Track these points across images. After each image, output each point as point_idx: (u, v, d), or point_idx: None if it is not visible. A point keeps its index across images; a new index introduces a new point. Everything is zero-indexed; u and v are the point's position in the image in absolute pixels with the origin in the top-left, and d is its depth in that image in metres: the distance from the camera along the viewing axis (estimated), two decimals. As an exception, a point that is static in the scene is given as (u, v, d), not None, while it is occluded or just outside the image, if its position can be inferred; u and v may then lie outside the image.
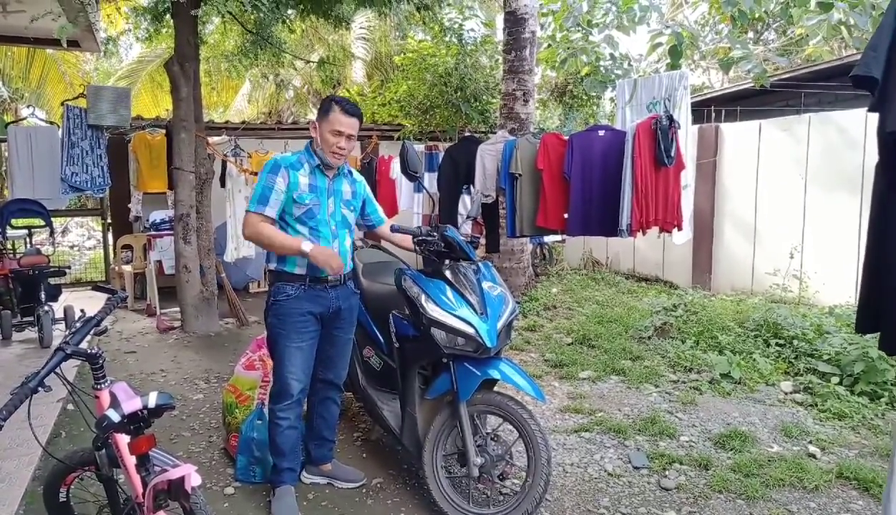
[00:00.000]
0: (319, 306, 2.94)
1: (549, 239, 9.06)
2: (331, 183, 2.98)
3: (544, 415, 4.13)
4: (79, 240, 18.04)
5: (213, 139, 7.87)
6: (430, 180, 7.82)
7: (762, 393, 4.51)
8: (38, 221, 6.71)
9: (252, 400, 3.50)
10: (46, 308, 5.92)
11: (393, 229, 3.04)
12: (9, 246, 7.02)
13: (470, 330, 2.76)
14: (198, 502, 2.37)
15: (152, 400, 1.74)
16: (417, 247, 3.02)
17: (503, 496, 3.02)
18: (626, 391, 4.66)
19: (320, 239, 2.89)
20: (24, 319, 6.11)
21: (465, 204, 7.34)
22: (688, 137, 5.55)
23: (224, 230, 7.54)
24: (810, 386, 4.52)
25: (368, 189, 3.30)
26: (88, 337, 2.25)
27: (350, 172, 3.13)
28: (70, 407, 4.40)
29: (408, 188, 8.15)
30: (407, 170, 2.99)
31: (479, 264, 3.08)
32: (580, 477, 3.34)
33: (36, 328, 5.91)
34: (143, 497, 1.79)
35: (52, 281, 6.31)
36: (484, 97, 10.12)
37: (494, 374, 2.81)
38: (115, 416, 1.69)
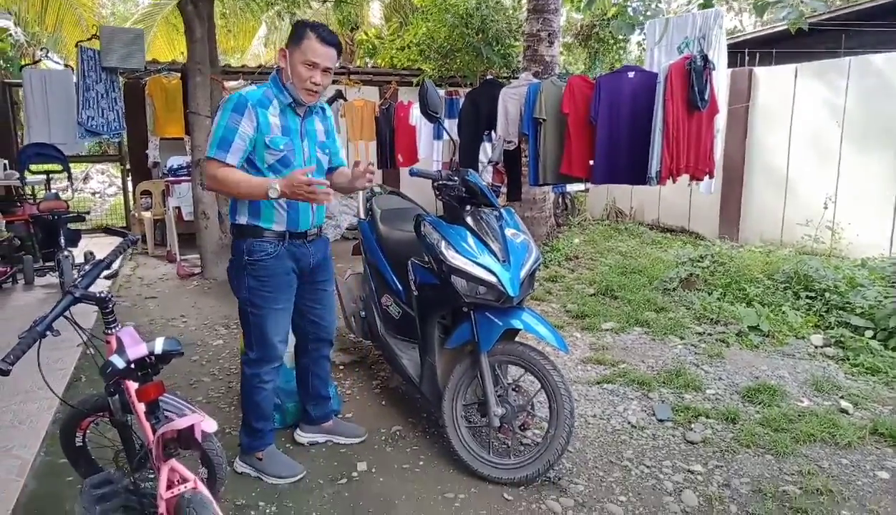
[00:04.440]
0: (300, 262, 2.67)
1: (571, 188, 8.84)
2: (303, 122, 2.61)
3: (566, 366, 4.05)
4: (100, 187, 18.11)
5: (229, 83, 7.71)
6: (450, 126, 7.62)
7: (792, 347, 4.38)
8: (56, 166, 6.67)
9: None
10: (66, 253, 5.90)
11: (412, 173, 2.89)
12: (28, 191, 7.03)
13: (491, 279, 2.65)
14: (213, 448, 2.35)
15: (159, 345, 1.67)
16: (437, 193, 2.89)
17: (524, 446, 2.97)
18: (650, 343, 4.55)
19: (307, 210, 2.62)
20: (46, 264, 6.12)
21: (486, 151, 7.15)
22: (721, 80, 5.28)
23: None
24: (842, 339, 4.38)
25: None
26: (107, 282, 2.18)
27: (322, 109, 2.76)
28: (91, 351, 4.40)
29: (427, 135, 7.95)
30: (427, 110, 2.83)
31: (502, 210, 2.95)
32: (602, 429, 3.27)
33: (57, 273, 5.92)
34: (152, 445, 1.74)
35: (72, 226, 6.30)
36: (506, 40, 9.76)
37: (516, 324, 2.71)
38: (119, 363, 1.62)
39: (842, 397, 3.59)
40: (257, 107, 2.47)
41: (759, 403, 3.52)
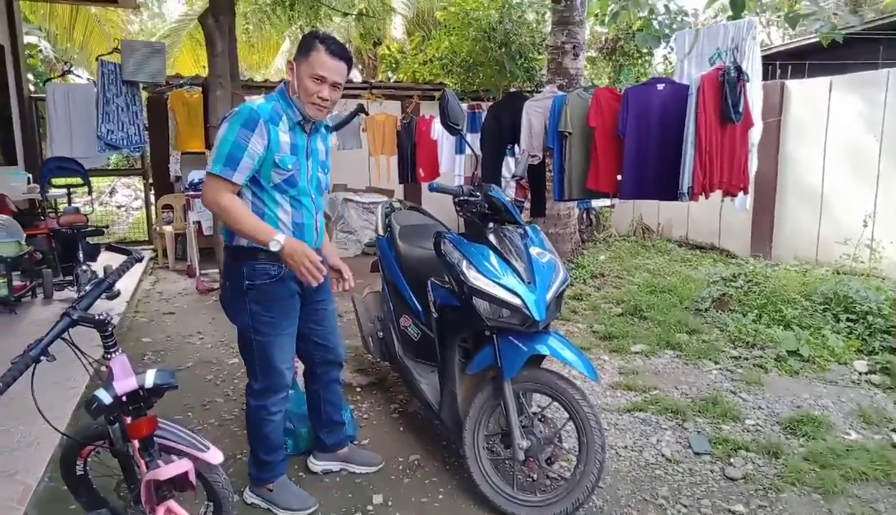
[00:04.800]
0: (302, 284, 2.41)
1: (597, 203, 8.64)
2: (308, 140, 2.47)
3: (594, 392, 3.85)
4: (126, 201, 18.29)
5: (251, 98, 7.68)
6: (472, 140, 7.48)
7: (834, 373, 4.12)
8: (77, 180, 6.65)
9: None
10: (85, 267, 5.86)
11: (431, 189, 2.74)
12: (50, 204, 7.03)
13: (516, 301, 2.47)
14: (219, 481, 2.20)
15: (150, 378, 1.53)
16: (459, 209, 2.74)
17: (550, 480, 2.77)
18: (683, 367, 4.33)
19: (303, 211, 2.44)
20: (65, 278, 6.08)
21: (510, 165, 7.00)
22: (756, 92, 5.07)
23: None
24: (888, 366, 4.11)
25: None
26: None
27: (326, 127, 2.64)
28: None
29: (449, 149, 7.83)
30: (447, 122, 2.68)
31: (527, 228, 2.78)
32: (635, 462, 3.06)
33: (75, 287, 5.87)
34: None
35: (91, 240, 6.25)
36: (530, 54, 9.63)
37: (542, 350, 2.53)
38: (105, 398, 1.48)
39: (893, 430, 3.34)
40: (269, 124, 2.31)
41: (803, 435, 3.29)
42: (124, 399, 1.50)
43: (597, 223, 9.53)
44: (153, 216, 9.43)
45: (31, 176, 7.17)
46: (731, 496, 2.78)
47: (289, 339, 2.55)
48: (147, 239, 9.77)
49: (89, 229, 6.20)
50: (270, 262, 2.40)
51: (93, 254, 6.22)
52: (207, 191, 2.31)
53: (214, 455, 2.14)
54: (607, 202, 8.52)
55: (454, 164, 7.85)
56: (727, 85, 4.34)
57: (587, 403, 2.51)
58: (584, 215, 9.02)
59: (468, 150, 7.57)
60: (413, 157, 7.95)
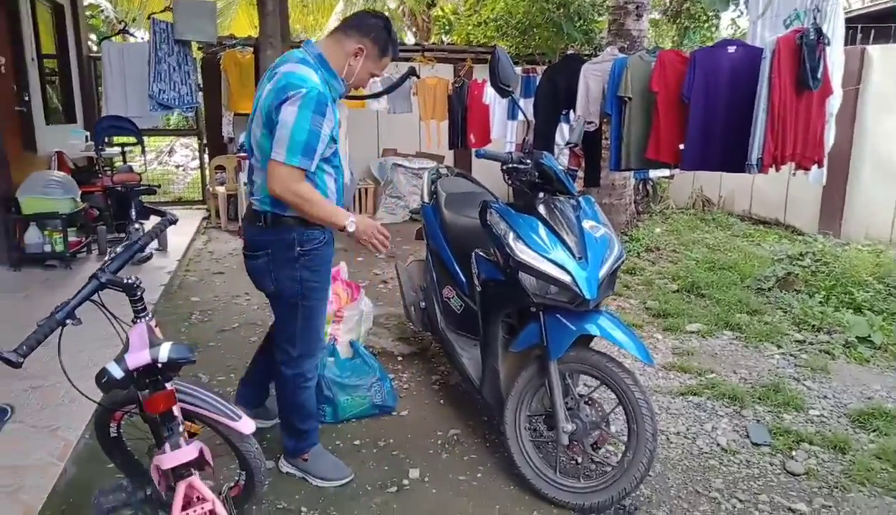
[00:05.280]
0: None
1: (654, 173, 8.24)
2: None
3: (644, 372, 3.66)
4: (183, 161, 18.65)
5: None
6: (525, 106, 7.21)
7: (910, 364, 3.82)
8: (131, 139, 6.73)
9: (324, 335, 3.24)
10: (136, 225, 5.95)
11: (478, 155, 2.57)
12: (108, 163, 7.15)
13: (565, 278, 2.31)
14: (251, 450, 2.15)
15: (164, 352, 1.44)
16: (507, 177, 2.57)
17: (595, 465, 2.63)
18: (743, 350, 4.08)
19: (339, 175, 2.41)
20: (118, 235, 6.19)
21: (563, 133, 6.72)
22: (837, 57, 4.66)
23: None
24: (972, 358, 3.78)
25: None
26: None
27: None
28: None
29: (501, 115, 7.57)
30: (498, 82, 2.50)
31: (580, 199, 2.59)
32: (687, 450, 2.89)
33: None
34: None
35: (144, 199, 6.34)
36: (589, 15, 9.21)
37: (592, 330, 2.36)
38: (116, 371, 1.40)
39: (977, 429, 3.05)
40: (332, 105, 2.23)
41: (873, 430, 3.04)
42: (137, 373, 1.42)
43: (653, 194, 9.14)
44: (207, 176, 9.54)
45: (89, 134, 7.30)
46: (792, 492, 2.58)
47: (326, 307, 2.54)
48: (201, 199, 9.91)
49: (142, 188, 6.28)
50: (317, 227, 2.34)
51: (145, 212, 6.29)
52: (280, 181, 2.15)
53: (246, 425, 2.08)
54: (666, 172, 8.12)
55: (506, 130, 7.60)
56: (805, 48, 3.97)
57: (639, 388, 2.35)
58: (641, 186, 8.65)
59: (521, 116, 7.35)
60: (464, 122, 7.74)
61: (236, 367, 3.73)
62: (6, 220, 5.56)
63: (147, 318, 1.94)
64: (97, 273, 1.86)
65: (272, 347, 2.62)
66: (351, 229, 2.23)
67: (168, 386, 1.53)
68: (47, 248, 5.65)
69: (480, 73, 8.49)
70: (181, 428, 1.61)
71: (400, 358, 3.83)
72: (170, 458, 1.40)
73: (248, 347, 4.04)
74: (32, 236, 5.65)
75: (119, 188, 6.16)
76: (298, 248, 2.31)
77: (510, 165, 2.49)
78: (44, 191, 5.68)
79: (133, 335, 1.65)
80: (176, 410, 1.61)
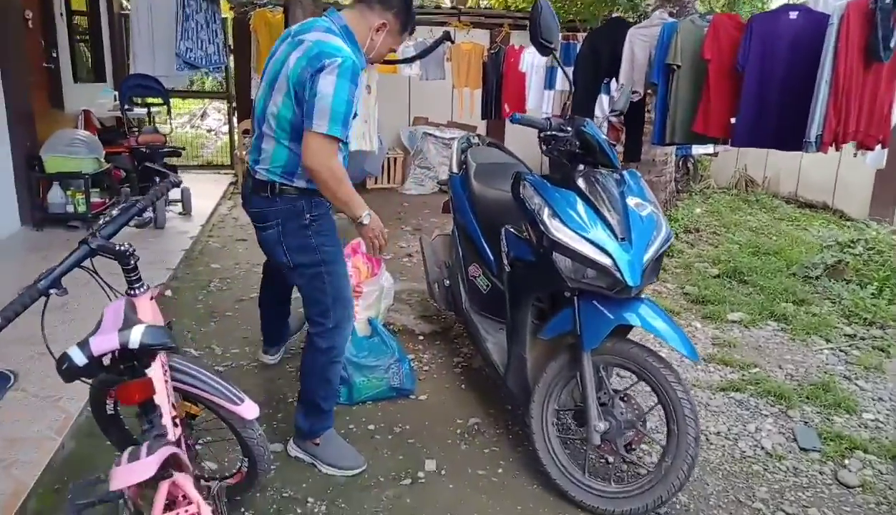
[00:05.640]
0: None
1: (697, 150, 7.87)
2: None
3: (682, 364, 3.40)
4: (216, 125, 18.58)
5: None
6: (563, 76, 6.89)
7: (976, 366, 3.50)
8: (158, 100, 6.58)
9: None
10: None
11: (514, 120, 2.31)
12: (135, 123, 7.03)
13: (605, 261, 2.07)
14: (254, 437, 1.99)
15: (135, 336, 1.24)
16: (544, 146, 2.32)
17: (628, 465, 2.42)
18: (789, 343, 3.80)
19: (346, 154, 2.33)
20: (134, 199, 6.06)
21: (603, 105, 6.39)
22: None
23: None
24: None
25: None
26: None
27: None
28: (168, 293, 4.24)
29: (538, 83, 7.23)
30: (539, 37, 2.23)
31: (624, 173, 2.34)
32: (728, 453, 2.65)
33: (152, 208, 5.85)
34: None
35: (169, 161, 6.20)
36: (636, -20, 8.73)
37: (632, 320, 2.13)
38: (78, 357, 1.21)
39: None
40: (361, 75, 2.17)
41: (937, 439, 2.77)
42: (106, 359, 1.24)
43: (693, 172, 8.74)
44: (235, 141, 9.40)
45: (117, 93, 7.17)
46: (846, 507, 2.33)
47: (347, 269, 2.46)
48: (230, 163, 9.79)
49: (167, 150, 6.14)
50: (322, 197, 2.25)
51: (151, 173, 6.15)
52: (318, 154, 2.05)
53: (248, 409, 1.91)
54: (710, 149, 7.74)
55: (542, 100, 7.27)
56: (880, 13, 3.60)
57: (681, 386, 2.11)
58: (681, 163, 8.27)
59: (559, 85, 7.02)
60: (498, 91, 7.44)
61: (252, 339, 3.58)
62: (29, 179, 5.48)
63: (142, 290, 1.77)
64: (87, 238, 1.69)
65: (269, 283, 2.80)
66: (366, 221, 2.20)
67: (149, 372, 1.35)
68: (70, 209, 5.57)
69: (518, 38, 8.13)
70: (164, 422, 1.43)
71: (421, 338, 3.64)
72: (122, 475, 1.20)
73: (264, 318, 3.89)
74: (55, 196, 5.57)
75: (144, 149, 6.01)
76: (308, 215, 2.23)
77: (548, 133, 2.23)
78: (67, 150, 5.58)
79: (108, 313, 1.47)
80: (159, 399, 1.42)
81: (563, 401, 2.39)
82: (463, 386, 3.14)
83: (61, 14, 6.91)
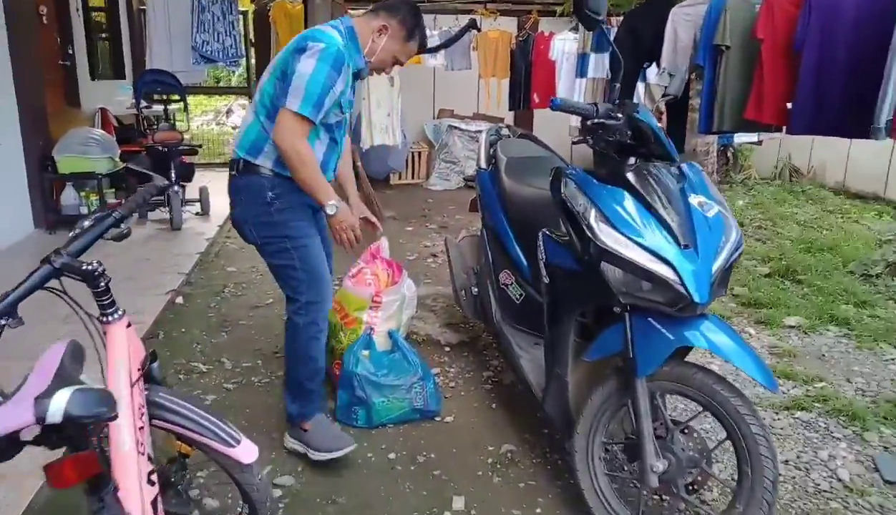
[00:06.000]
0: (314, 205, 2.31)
1: (739, 139, 7.42)
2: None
3: (738, 378, 3.04)
4: (241, 121, 18.52)
5: (354, 11, 7.06)
6: (597, 62, 6.51)
7: None
8: (174, 96, 6.39)
9: (359, 324, 2.78)
10: (177, 188, 5.61)
11: (554, 105, 1.98)
12: (152, 121, 6.86)
13: (665, 273, 1.74)
14: (253, 483, 1.71)
15: (56, 406, 0.94)
16: (589, 137, 2.00)
17: (689, 508, 2.09)
18: (854, 351, 3.41)
19: (334, 149, 2.35)
20: (156, 198, 5.87)
21: (638, 93, 6.03)
22: None
23: (358, 114, 6.85)
24: None
25: None
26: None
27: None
28: (179, 300, 4.01)
29: (569, 72, 6.86)
30: (585, 6, 1.90)
31: (683, 166, 2.01)
32: (801, 486, 2.30)
33: (167, 208, 5.65)
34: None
35: (189, 159, 6.01)
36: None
37: (696, 341, 1.80)
38: None
39: None
40: (348, 68, 2.19)
41: None
42: (26, 433, 0.95)
43: (734, 162, 8.29)
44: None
45: (133, 90, 7.01)
46: (950, 558, 1.98)
47: (321, 245, 2.36)
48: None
49: (183, 147, 5.93)
50: (288, 179, 2.22)
51: (187, 174, 5.96)
52: (287, 131, 2.10)
53: (246, 452, 1.64)
54: (754, 137, 7.29)
55: (574, 89, 6.89)
56: (961, -18, 3.19)
57: (757, 421, 1.78)
58: (720, 152, 7.82)
59: (591, 72, 6.63)
60: (527, 80, 7.09)
61: (265, 352, 3.33)
62: (42, 180, 5.31)
63: (116, 317, 1.50)
64: (51, 256, 1.43)
65: None
66: (330, 212, 2.19)
67: (97, 441, 1.05)
68: (83, 210, 5.39)
69: (547, 25, 7.76)
70: (124, 498, 1.15)
71: (447, 349, 3.34)
72: None
73: (279, 327, 3.57)
74: (68, 197, 5.40)
75: (160, 147, 5.82)
76: (270, 193, 2.22)
77: (595, 120, 1.91)
78: (81, 149, 5.40)
79: (39, 364, 1.18)
80: (117, 471, 1.14)
81: (612, 433, 2.07)
82: (494, 404, 2.83)
83: (77, 9, 6.75)
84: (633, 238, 1.78)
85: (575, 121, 6.37)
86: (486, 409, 2.79)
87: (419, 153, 8.12)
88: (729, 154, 8.09)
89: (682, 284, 1.71)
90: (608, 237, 1.80)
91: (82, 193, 5.43)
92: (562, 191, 1.95)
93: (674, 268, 1.72)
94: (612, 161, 1.98)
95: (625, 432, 2.06)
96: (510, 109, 7.51)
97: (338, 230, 2.25)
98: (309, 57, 2.06)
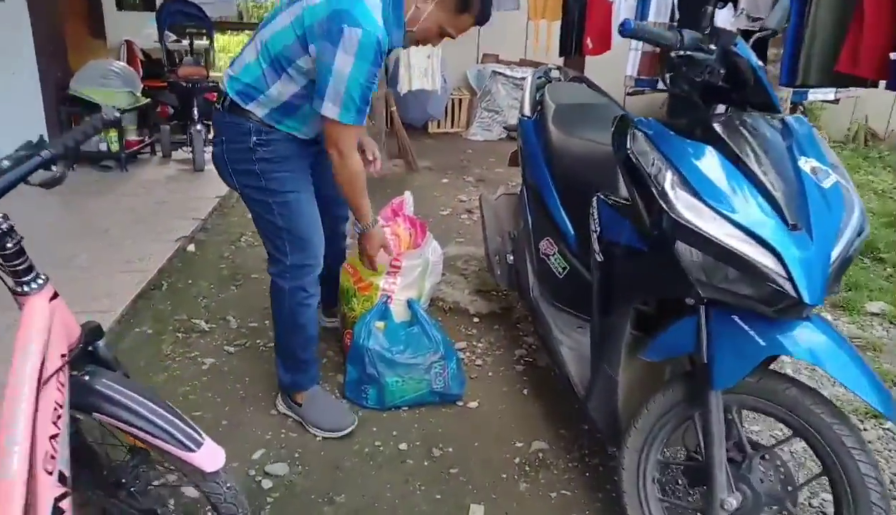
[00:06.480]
0: (311, 156, 2.14)
1: (814, 96, 6.70)
2: None
3: (814, 375, 2.60)
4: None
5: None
6: (659, 5, 5.88)
7: None
8: (200, 29, 6.01)
9: (374, 290, 2.41)
10: (199, 127, 5.28)
11: (625, 30, 1.49)
12: (180, 55, 6.51)
13: (766, 261, 1.30)
14: (221, 492, 1.39)
15: None
16: (667, 74, 1.54)
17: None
18: (953, 348, 2.93)
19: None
20: (177, 137, 5.57)
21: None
22: None
23: (396, 57, 6.39)
24: None
25: None
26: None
27: None
28: (191, 248, 3.70)
29: (628, 14, 6.22)
30: None
31: (789, 120, 1.54)
32: (897, 521, 1.89)
33: (189, 148, 5.35)
34: None
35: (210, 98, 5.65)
36: None
37: (797, 351, 1.38)
38: None
39: None
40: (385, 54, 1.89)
41: None
42: None
43: (803, 123, 7.56)
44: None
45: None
46: None
47: (311, 203, 2.09)
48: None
49: (209, 84, 5.58)
50: (280, 130, 1.99)
51: (209, 112, 5.61)
52: (337, 143, 1.87)
53: (208, 457, 1.32)
54: (830, 95, 6.57)
55: (631, 35, 6.29)
56: None
57: (868, 459, 1.37)
58: (792, 110, 7.12)
59: (653, 16, 5.98)
60: (580, 23, 6.47)
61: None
62: (60, 113, 5.04)
63: (36, 286, 1.16)
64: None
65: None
66: (357, 231, 2.13)
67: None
68: (102, 147, 5.12)
69: (605, -37, 7.06)
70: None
71: (476, 320, 2.96)
72: None
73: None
74: (88, 132, 5.13)
75: (183, 83, 5.48)
76: (254, 138, 1.96)
77: (679, 52, 1.45)
78: (100, 82, 5.09)
79: None
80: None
81: (670, 449, 1.68)
82: (525, 390, 2.46)
83: (102, -67, 6.38)
84: (723, 211, 1.34)
85: (632, 68, 5.77)
86: (515, 395, 2.42)
87: (460, 100, 7.61)
88: (798, 112, 7.36)
89: (789, 278, 1.28)
90: (688, 208, 1.37)
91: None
92: (628, 145, 1.51)
93: (777, 256, 1.29)
94: (696, 109, 1.53)
95: (686, 448, 1.67)
96: (560, 55, 6.91)
97: (366, 248, 2.16)
98: (346, 52, 1.74)
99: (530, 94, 2.64)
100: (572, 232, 2.22)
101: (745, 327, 1.41)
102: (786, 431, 1.56)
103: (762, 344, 1.38)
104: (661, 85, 6.61)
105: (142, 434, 1.28)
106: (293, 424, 2.21)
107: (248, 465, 2.00)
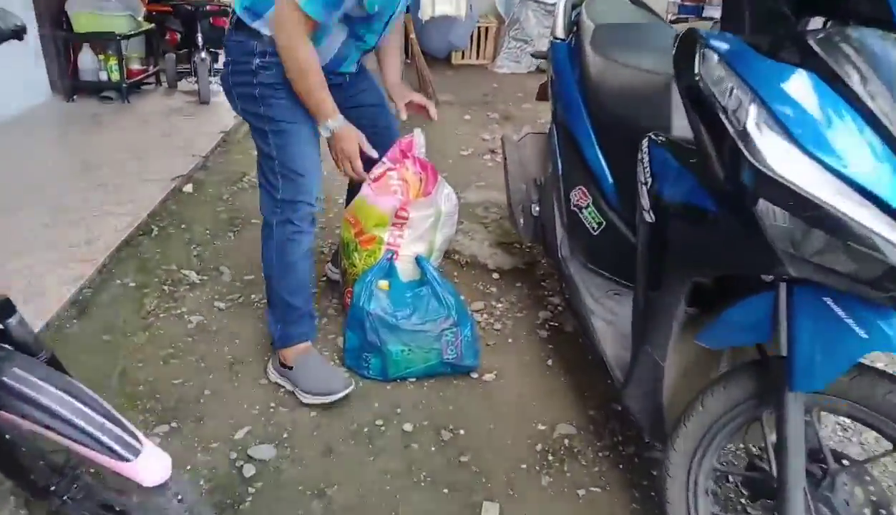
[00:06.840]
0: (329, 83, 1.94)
1: None
2: None
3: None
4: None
5: None
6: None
7: None
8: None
9: (378, 244, 2.10)
10: (204, 55, 4.93)
11: None
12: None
13: (882, 229, 0.96)
14: (170, 507, 1.13)
15: None
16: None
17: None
18: None
19: (356, 45, 1.93)
20: (183, 67, 5.22)
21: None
22: None
23: (418, -23, 5.85)
24: None
25: None
26: None
27: None
28: (189, 188, 3.41)
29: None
30: None
31: (914, 36, 1.15)
32: None
33: (193, 78, 5.01)
34: None
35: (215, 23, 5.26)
36: None
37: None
38: None
39: None
40: None
41: None
42: None
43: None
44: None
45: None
46: None
47: (309, 138, 1.90)
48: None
49: (215, 8, 5.19)
50: None
51: (217, 39, 5.23)
52: (283, 25, 1.68)
53: (147, 469, 1.04)
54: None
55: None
56: None
57: None
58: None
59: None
60: (620, -59, 5.89)
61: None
62: (56, 39, 4.70)
63: None
64: None
65: None
66: (323, 133, 1.87)
67: None
68: (103, 76, 4.81)
69: None
70: None
71: (496, 276, 2.64)
72: None
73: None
74: (86, 60, 4.80)
75: (188, 6, 5.10)
76: (257, 60, 1.82)
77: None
78: (96, 4, 4.73)
79: None
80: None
81: (730, 452, 1.38)
82: (550, 360, 2.16)
83: None
84: (826, 160, 0.99)
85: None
86: (538, 366, 2.13)
87: (486, 29, 7.08)
88: None
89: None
90: (778, 155, 1.01)
91: (101, 57, 4.81)
92: (696, 69, 1.14)
93: (901, 222, 0.94)
94: (785, 22, 1.15)
95: (748, 452, 1.36)
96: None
97: (336, 152, 1.91)
98: None
99: (564, 12, 2.24)
100: (611, 180, 1.86)
101: (842, 313, 1.07)
102: (882, 442, 1.23)
103: (864, 336, 1.04)
104: (707, 11, 6.03)
105: (60, 439, 1.01)
106: (284, 396, 1.95)
107: (229, 446, 1.75)
